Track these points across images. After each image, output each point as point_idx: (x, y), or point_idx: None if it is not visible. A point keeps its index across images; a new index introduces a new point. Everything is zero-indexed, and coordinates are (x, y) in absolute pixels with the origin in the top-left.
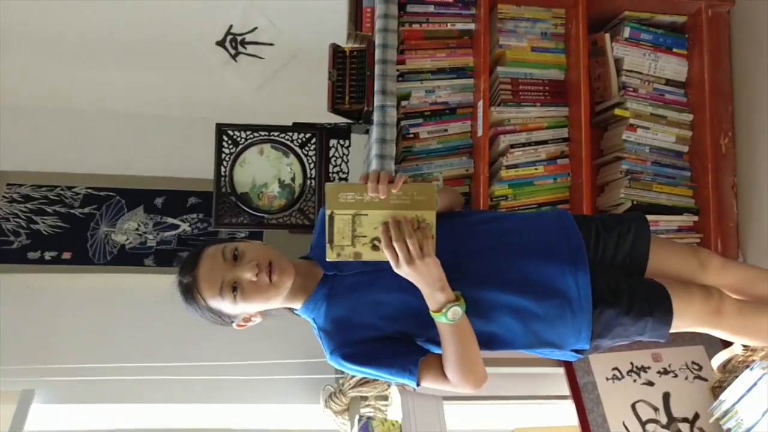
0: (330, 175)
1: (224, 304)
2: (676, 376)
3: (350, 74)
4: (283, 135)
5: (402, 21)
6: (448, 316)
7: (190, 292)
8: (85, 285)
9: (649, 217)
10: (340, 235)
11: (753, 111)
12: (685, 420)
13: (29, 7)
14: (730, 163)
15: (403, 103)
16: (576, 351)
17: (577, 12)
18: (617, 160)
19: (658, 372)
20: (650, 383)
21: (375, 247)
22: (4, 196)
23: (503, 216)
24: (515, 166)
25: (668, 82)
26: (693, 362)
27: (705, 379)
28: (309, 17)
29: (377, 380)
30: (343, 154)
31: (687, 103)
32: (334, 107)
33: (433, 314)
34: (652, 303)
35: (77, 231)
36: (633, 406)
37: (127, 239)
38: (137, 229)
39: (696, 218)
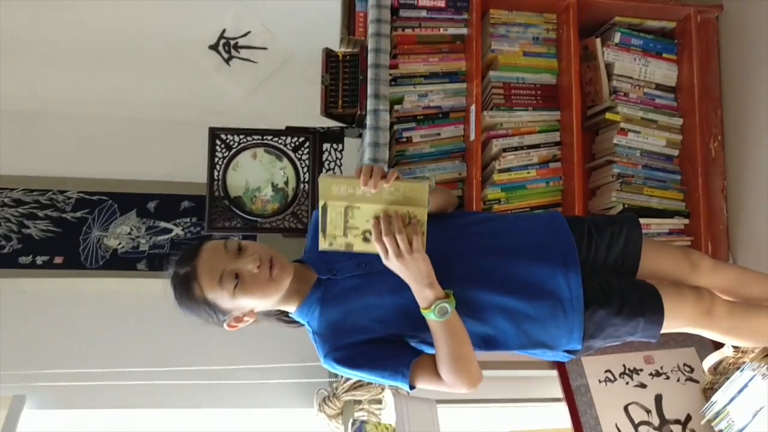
0: None
1: (222, 296)
2: (668, 378)
3: (343, 78)
4: (276, 139)
5: (395, 26)
6: (437, 313)
7: (187, 282)
8: (77, 289)
9: (641, 221)
10: (333, 225)
11: (742, 115)
12: (677, 422)
13: (22, 13)
14: (719, 166)
15: (396, 107)
16: (568, 351)
17: (568, 17)
18: (609, 163)
19: (651, 374)
20: (642, 385)
21: (366, 239)
22: None
23: (495, 217)
24: (508, 169)
25: (658, 86)
26: (685, 364)
27: (697, 381)
28: (302, 22)
29: (371, 384)
30: (336, 158)
31: (677, 108)
32: (327, 111)
33: (423, 312)
34: (644, 303)
35: (69, 235)
36: (625, 408)
37: (120, 243)
38: (130, 234)
39: (687, 221)
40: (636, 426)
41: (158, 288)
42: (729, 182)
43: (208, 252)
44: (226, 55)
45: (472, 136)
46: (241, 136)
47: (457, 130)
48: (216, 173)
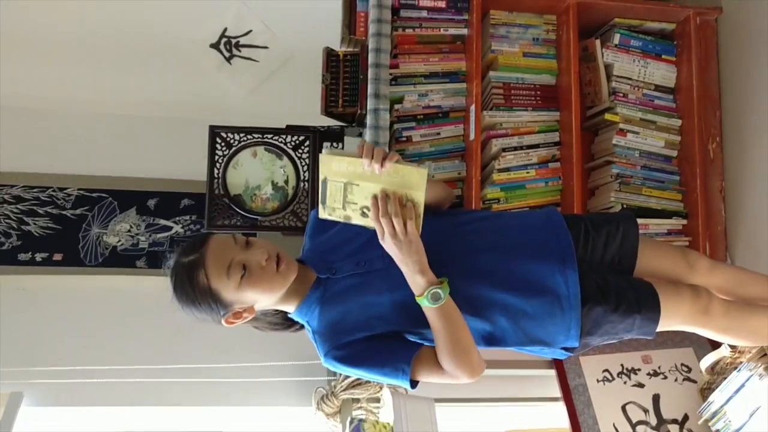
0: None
1: (228, 287)
2: (665, 377)
3: (344, 78)
4: (276, 137)
5: (395, 25)
6: (430, 299)
7: (192, 269)
8: (76, 286)
9: (639, 221)
10: (332, 198)
11: (740, 116)
12: (674, 421)
13: (22, 10)
14: (718, 167)
15: (396, 106)
16: (566, 349)
17: (568, 18)
18: (607, 164)
19: (648, 374)
20: (640, 385)
21: (364, 214)
22: None
23: (493, 215)
24: (507, 169)
25: (657, 87)
26: (682, 364)
27: (694, 381)
28: (303, 21)
29: (369, 382)
30: None
31: (676, 109)
32: (328, 110)
33: (417, 300)
34: (640, 300)
35: (69, 232)
36: (623, 408)
37: (119, 241)
38: (129, 231)
39: (685, 222)
40: (633, 425)
41: (158, 285)
42: (727, 183)
43: (216, 242)
44: (227, 54)
45: (472, 136)
46: (242, 135)
47: (457, 130)
48: (216, 171)
